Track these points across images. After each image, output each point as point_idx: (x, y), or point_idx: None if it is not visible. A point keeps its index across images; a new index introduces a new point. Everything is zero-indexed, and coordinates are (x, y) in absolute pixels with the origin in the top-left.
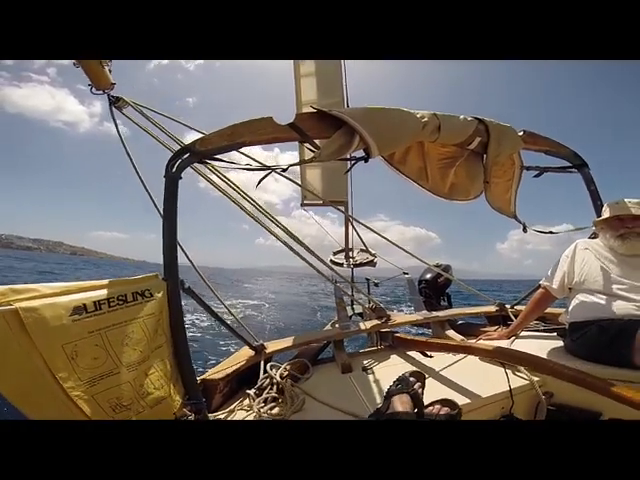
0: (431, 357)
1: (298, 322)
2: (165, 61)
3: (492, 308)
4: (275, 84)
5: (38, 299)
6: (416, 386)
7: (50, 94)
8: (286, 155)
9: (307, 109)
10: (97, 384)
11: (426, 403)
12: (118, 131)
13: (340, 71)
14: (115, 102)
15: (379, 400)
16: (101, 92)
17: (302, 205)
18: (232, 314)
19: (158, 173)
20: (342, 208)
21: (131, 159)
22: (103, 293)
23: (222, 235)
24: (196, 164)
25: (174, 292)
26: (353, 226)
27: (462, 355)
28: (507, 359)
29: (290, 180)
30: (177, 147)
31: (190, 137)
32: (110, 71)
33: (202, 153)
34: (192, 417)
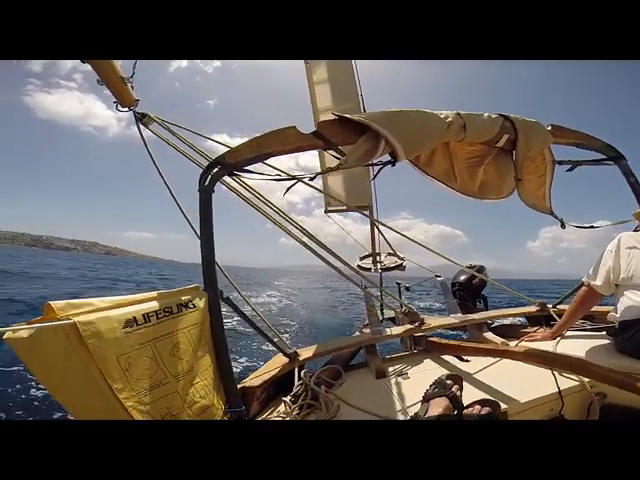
0: (468, 361)
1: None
2: (184, 64)
3: (533, 308)
4: (288, 82)
5: (94, 313)
6: (454, 389)
7: (79, 100)
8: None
9: (324, 116)
10: (149, 394)
11: (465, 405)
12: (147, 146)
13: (353, 76)
14: (141, 118)
15: (416, 405)
16: (127, 109)
17: (326, 212)
18: (267, 323)
19: (182, 183)
20: (367, 213)
21: (161, 174)
22: (150, 306)
23: (245, 235)
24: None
25: (214, 302)
26: (379, 230)
27: (502, 358)
28: (550, 363)
29: (315, 188)
30: (203, 160)
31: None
32: (132, 87)
33: (232, 165)
34: None
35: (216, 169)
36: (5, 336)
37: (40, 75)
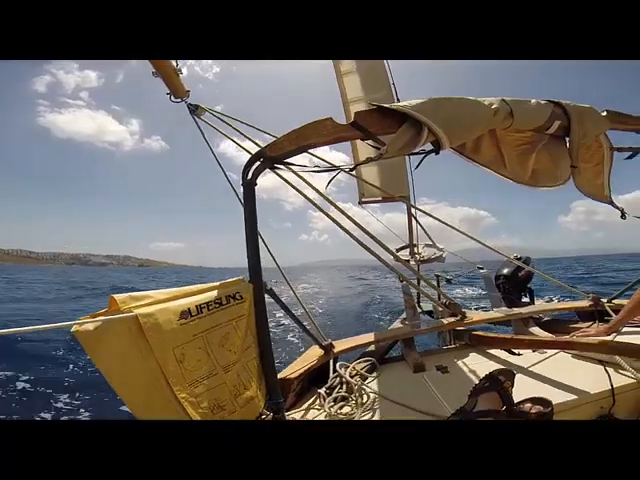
0: (518, 355)
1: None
2: (184, 73)
3: (585, 303)
4: (292, 85)
5: (153, 305)
6: (505, 384)
7: (90, 117)
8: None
9: (354, 107)
10: (199, 385)
11: (516, 402)
12: (204, 136)
13: (382, 64)
14: (194, 110)
15: (459, 400)
16: (179, 100)
17: (360, 203)
18: (308, 314)
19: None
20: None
21: (220, 164)
22: (202, 297)
23: (268, 236)
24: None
25: (259, 294)
26: (417, 221)
27: (552, 353)
28: (615, 352)
29: (356, 177)
30: (253, 148)
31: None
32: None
33: (273, 158)
34: (270, 416)
35: (258, 162)
36: (72, 329)
37: (46, 95)
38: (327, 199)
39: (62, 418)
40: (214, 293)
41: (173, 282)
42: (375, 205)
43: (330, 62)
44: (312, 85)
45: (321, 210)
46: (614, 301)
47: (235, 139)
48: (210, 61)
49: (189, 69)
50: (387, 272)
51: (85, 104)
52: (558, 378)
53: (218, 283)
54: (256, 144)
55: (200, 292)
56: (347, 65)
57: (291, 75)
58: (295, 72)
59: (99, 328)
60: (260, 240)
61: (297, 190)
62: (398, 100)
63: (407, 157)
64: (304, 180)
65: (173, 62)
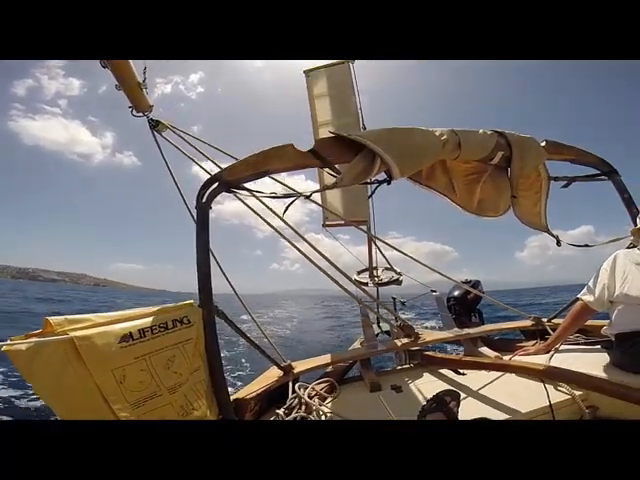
0: (464, 375)
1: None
2: (167, 90)
3: (528, 322)
4: (271, 106)
5: (91, 328)
6: (451, 405)
7: (63, 126)
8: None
9: (323, 130)
10: (142, 406)
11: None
12: (162, 153)
13: (352, 90)
14: (155, 126)
15: (410, 419)
16: (141, 115)
17: (324, 226)
18: (264, 335)
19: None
20: (364, 227)
21: (177, 183)
22: (146, 321)
23: (236, 262)
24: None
25: (209, 318)
26: (376, 245)
27: (497, 373)
28: (547, 376)
29: (315, 203)
30: (215, 169)
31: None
32: (147, 93)
33: (230, 182)
34: None
35: (214, 185)
36: (4, 348)
37: (24, 100)
38: (288, 225)
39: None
40: (160, 317)
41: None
42: (347, 237)
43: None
44: (291, 105)
45: (281, 235)
46: (553, 320)
47: (194, 159)
48: (196, 80)
49: (173, 87)
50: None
51: (62, 112)
52: (501, 396)
53: (164, 306)
54: (217, 165)
55: (144, 316)
56: (320, 88)
57: (272, 93)
58: (275, 90)
59: (31, 349)
60: (215, 263)
61: (257, 215)
62: (364, 126)
63: (368, 185)
64: (266, 206)
65: (137, 75)
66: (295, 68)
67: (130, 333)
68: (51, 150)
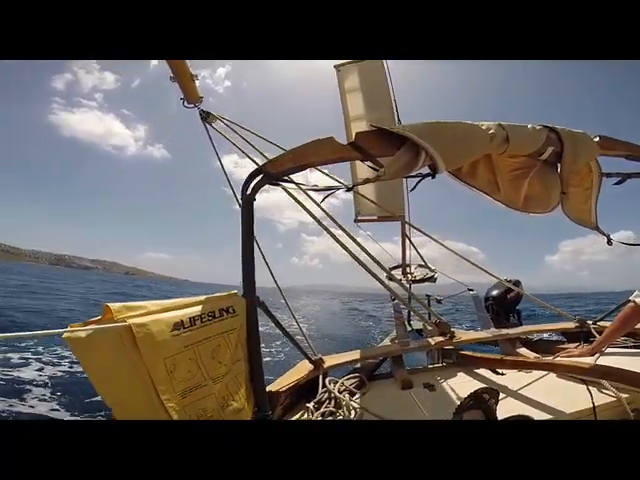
0: (503, 374)
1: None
2: (199, 78)
3: (571, 324)
4: (299, 100)
5: (146, 316)
6: (490, 403)
7: (99, 118)
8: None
9: (355, 125)
10: (188, 396)
11: (500, 420)
12: (213, 144)
13: (386, 83)
14: (206, 117)
15: (444, 417)
16: (192, 106)
17: (356, 221)
18: (300, 328)
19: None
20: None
21: (226, 174)
22: (196, 310)
23: (257, 255)
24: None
25: (252, 308)
26: (411, 241)
27: (538, 373)
28: (592, 374)
29: (356, 194)
30: (260, 160)
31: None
32: (198, 86)
33: (273, 175)
34: None
35: (259, 178)
36: (64, 335)
37: (63, 93)
38: (329, 215)
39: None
40: (208, 306)
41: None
42: (368, 232)
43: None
44: (321, 100)
45: (321, 225)
46: (599, 323)
47: (243, 150)
48: (223, 74)
49: (200, 81)
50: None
51: (97, 105)
52: (542, 397)
53: (212, 296)
54: (264, 156)
55: (194, 305)
56: (351, 82)
57: (300, 90)
58: (300, 85)
59: (91, 336)
60: (261, 255)
61: (301, 205)
62: (399, 119)
63: (405, 179)
64: (309, 196)
65: (190, 68)
66: (324, 62)
67: (182, 321)
68: (88, 142)
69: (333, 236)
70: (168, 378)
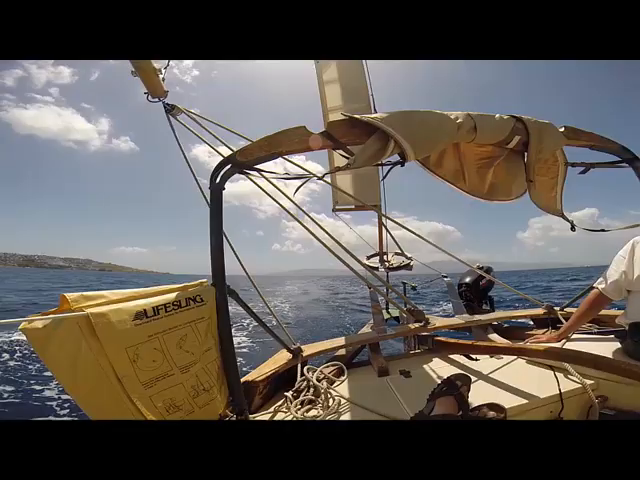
0: (476, 360)
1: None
2: (163, 73)
3: (540, 311)
4: (268, 91)
5: (106, 305)
6: (462, 389)
7: (57, 114)
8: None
9: (333, 115)
10: (154, 385)
11: (472, 407)
12: (176, 137)
13: (363, 75)
14: (170, 110)
15: (418, 403)
16: (157, 100)
17: (334, 210)
18: (275, 317)
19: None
20: (375, 211)
21: (190, 166)
22: (160, 299)
23: (238, 243)
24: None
25: (222, 297)
26: (387, 229)
27: (508, 359)
28: (560, 359)
29: (329, 184)
30: (227, 152)
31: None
32: (164, 79)
33: (243, 164)
34: (234, 418)
35: (227, 167)
36: (20, 326)
37: (14, 90)
38: (298, 207)
39: (63, 418)
40: (174, 295)
41: None
42: (347, 216)
43: (314, 69)
44: (295, 90)
45: (293, 217)
46: (566, 309)
47: (209, 142)
48: (190, 64)
49: (167, 71)
50: (355, 281)
51: (54, 100)
52: (512, 383)
53: (178, 285)
54: (230, 149)
55: (158, 294)
56: (330, 74)
57: (273, 78)
58: (277, 75)
59: (48, 326)
60: (227, 244)
61: (269, 195)
62: (376, 111)
63: (380, 167)
64: (276, 187)
65: (153, 62)
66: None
67: (144, 311)
68: (46, 138)
69: (307, 228)
70: (132, 368)
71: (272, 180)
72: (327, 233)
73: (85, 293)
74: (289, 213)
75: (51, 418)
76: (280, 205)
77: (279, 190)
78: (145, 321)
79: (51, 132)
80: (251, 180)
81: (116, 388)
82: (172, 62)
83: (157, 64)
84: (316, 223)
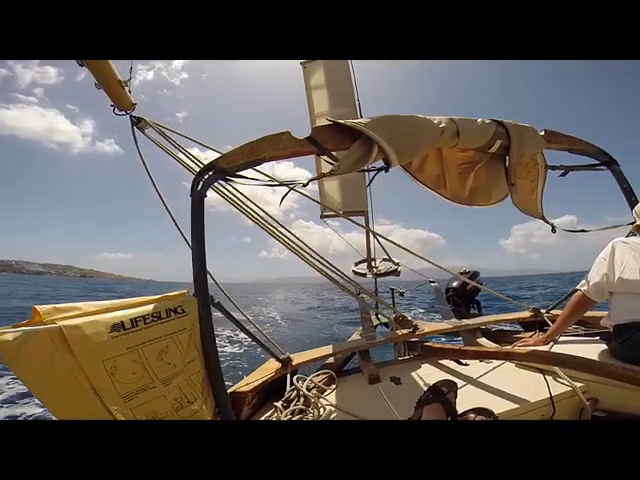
0: (465, 365)
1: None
2: (150, 76)
3: (526, 314)
4: (255, 93)
5: (80, 317)
6: (449, 395)
7: (40, 115)
8: (297, 170)
9: (321, 121)
10: (134, 398)
11: (460, 412)
12: (139, 151)
13: (350, 81)
14: (137, 123)
15: (409, 410)
16: (123, 113)
17: (321, 217)
18: (258, 328)
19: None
20: (362, 218)
21: (152, 180)
22: (139, 311)
23: (224, 249)
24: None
25: (204, 308)
26: (375, 235)
27: (497, 363)
28: (550, 362)
29: (308, 197)
30: (196, 167)
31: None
32: (130, 91)
33: (225, 170)
34: None
35: (209, 174)
36: None
37: None
38: (272, 217)
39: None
40: (153, 306)
41: None
42: (336, 223)
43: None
44: (283, 93)
45: (264, 228)
46: (552, 311)
47: (181, 155)
48: (179, 67)
49: (155, 73)
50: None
51: (38, 101)
52: (502, 387)
53: (158, 296)
54: (201, 163)
55: (137, 305)
56: (317, 80)
57: (261, 81)
58: (268, 78)
59: (18, 339)
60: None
61: (237, 208)
62: (361, 116)
63: (367, 174)
64: (251, 200)
65: (117, 73)
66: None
67: (122, 322)
68: (28, 139)
69: (282, 242)
70: (110, 381)
71: (246, 195)
72: (304, 244)
73: (58, 305)
74: (262, 226)
75: (40, 418)
76: (251, 219)
77: (253, 203)
78: (123, 333)
79: (34, 133)
80: (217, 192)
81: (94, 401)
82: (160, 64)
83: (122, 77)
84: (291, 233)
